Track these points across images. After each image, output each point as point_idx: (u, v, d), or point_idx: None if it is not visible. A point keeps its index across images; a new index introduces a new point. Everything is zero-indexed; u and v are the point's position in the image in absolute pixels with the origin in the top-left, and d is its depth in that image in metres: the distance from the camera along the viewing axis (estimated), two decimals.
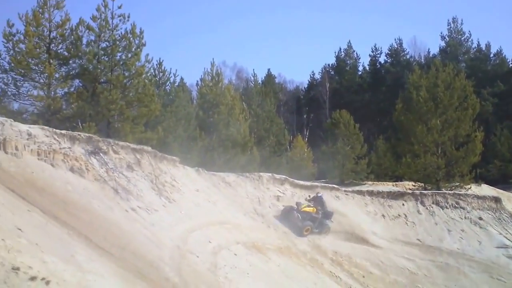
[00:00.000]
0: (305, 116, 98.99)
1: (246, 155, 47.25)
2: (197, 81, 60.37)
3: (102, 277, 12.84)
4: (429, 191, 44.34)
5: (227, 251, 22.61)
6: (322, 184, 40.82)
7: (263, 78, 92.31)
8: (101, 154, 23.53)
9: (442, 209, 40.37)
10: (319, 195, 32.91)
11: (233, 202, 29.29)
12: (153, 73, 48.43)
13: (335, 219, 32.87)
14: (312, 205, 31.35)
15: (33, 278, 10.75)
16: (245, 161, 45.90)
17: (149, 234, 19.74)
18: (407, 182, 56.79)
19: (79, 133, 24.45)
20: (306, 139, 71.60)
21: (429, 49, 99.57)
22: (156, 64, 50.15)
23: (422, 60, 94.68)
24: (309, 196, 34.12)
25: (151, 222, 20.95)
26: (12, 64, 33.20)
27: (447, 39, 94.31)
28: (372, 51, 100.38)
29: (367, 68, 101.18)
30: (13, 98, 34.57)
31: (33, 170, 18.62)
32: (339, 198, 38.58)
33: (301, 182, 38.68)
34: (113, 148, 24.78)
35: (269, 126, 61.02)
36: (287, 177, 37.56)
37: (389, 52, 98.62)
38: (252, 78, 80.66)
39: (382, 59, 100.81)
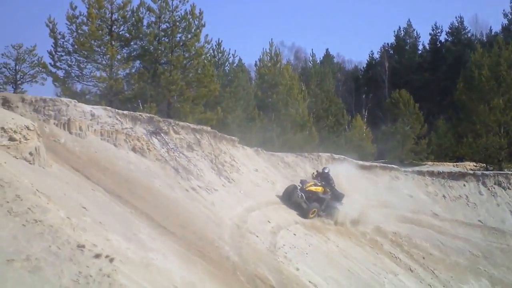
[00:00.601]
0: (364, 96, 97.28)
1: (304, 135, 46.86)
2: (256, 61, 59.94)
3: (163, 255, 12.92)
4: (491, 172, 42.87)
5: (286, 231, 22.50)
6: (381, 164, 40.05)
7: (321, 58, 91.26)
8: (162, 134, 23.72)
9: (504, 190, 38.98)
10: (325, 170, 27.46)
11: (291, 182, 29.04)
12: (213, 54, 48.50)
13: (394, 201, 32.26)
14: (319, 184, 26.44)
15: (97, 256, 10.89)
16: (304, 141, 45.51)
17: (209, 213, 19.82)
18: (468, 163, 55.12)
19: (140, 113, 24.70)
20: (365, 119, 70.30)
21: (491, 27, 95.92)
22: (215, 45, 50.18)
23: (484, 39, 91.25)
24: (316, 171, 28.60)
25: (211, 202, 21.02)
26: (76, 46, 33.79)
27: (510, 16, 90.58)
28: (433, 30, 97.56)
29: (427, 47, 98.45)
30: (77, 79, 35.25)
31: (96, 150, 18.91)
32: (399, 178, 37.81)
33: (360, 162, 38.10)
34: (174, 128, 24.94)
35: (327, 106, 60.27)
36: (346, 157, 37.03)
37: (449, 31, 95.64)
38: (311, 58, 79.78)
39: (442, 37, 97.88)
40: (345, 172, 32.52)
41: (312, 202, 25.24)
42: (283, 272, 18.44)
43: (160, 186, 19.40)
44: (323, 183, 26.38)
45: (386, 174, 36.96)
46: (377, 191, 33.62)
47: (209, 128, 27.79)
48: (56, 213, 11.59)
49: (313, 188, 25.80)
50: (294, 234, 22.60)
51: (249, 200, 23.42)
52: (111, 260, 10.84)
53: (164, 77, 35.12)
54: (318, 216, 25.48)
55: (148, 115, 24.72)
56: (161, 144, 23.01)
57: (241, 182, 25.18)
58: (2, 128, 13.84)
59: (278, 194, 26.52)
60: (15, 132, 14.00)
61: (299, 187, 25.88)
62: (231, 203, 21.92)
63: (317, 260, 21.28)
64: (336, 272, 21.27)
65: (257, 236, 20.15)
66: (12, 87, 45.54)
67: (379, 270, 23.93)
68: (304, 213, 24.90)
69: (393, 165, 40.60)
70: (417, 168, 44.39)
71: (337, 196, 26.84)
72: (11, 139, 13.81)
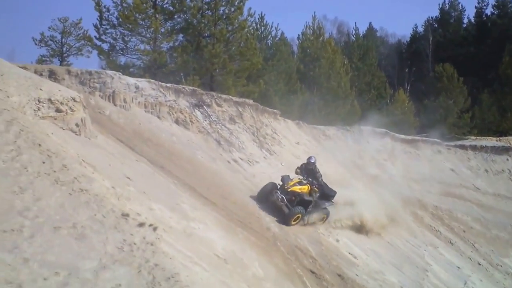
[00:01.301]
0: (407, 70, 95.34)
1: (346, 108, 46.35)
2: (298, 35, 59.22)
3: (205, 225, 13.02)
4: None
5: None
6: (423, 138, 39.40)
7: (364, 32, 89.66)
8: (204, 107, 23.78)
9: None
10: (310, 160, 20.32)
11: (333, 155, 28.84)
12: (255, 27, 48.07)
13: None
14: (305, 182, 19.45)
15: (141, 224, 11.04)
16: (346, 115, 45.05)
17: (250, 185, 19.87)
18: (511, 137, 53.76)
19: (183, 86, 24.79)
20: (408, 93, 68.96)
21: None
22: (258, 18, 49.69)
23: None
24: (300, 165, 20.60)
25: (252, 174, 21.08)
26: (120, 19, 33.89)
27: None
28: (478, 3, 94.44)
29: (472, 21, 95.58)
30: (121, 52, 35.41)
31: (140, 122, 19.09)
32: (441, 152, 37.19)
33: (402, 136, 37.57)
34: (216, 101, 24.98)
35: (370, 80, 59.37)
36: (387, 131, 36.54)
37: (495, 4, 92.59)
38: (353, 32, 78.44)
39: (488, 11, 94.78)
40: (385, 146, 32.12)
41: (295, 205, 18.58)
42: (323, 243, 18.43)
43: (202, 157, 19.52)
44: (309, 179, 19.46)
45: (428, 148, 36.41)
46: (418, 165, 33.17)
47: (251, 101, 27.71)
48: (101, 182, 11.77)
49: (296, 188, 18.82)
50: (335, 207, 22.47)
51: (290, 173, 23.30)
52: (155, 228, 10.97)
53: (207, 50, 35.07)
54: (303, 221, 19.05)
55: (191, 88, 24.78)
56: (203, 116, 23.09)
57: (282, 155, 25.13)
58: (49, 99, 14.06)
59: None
60: (61, 103, 14.21)
61: (279, 186, 19.08)
62: (272, 175, 21.89)
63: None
64: (375, 244, 21.15)
65: None
66: (59, 59, 46.12)
67: (419, 243, 23.70)
68: (285, 219, 18.25)
69: (435, 139, 39.90)
70: (459, 143, 43.58)
71: (326, 194, 20.09)
72: (57, 110, 14.03)
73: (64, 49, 46.63)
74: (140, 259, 9.81)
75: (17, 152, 11.15)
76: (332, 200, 20.29)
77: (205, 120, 22.79)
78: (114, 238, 10.21)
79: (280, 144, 26.06)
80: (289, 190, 18.70)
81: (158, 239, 10.62)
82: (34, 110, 13.37)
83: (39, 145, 11.73)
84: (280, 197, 18.52)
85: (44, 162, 11.30)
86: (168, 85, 23.15)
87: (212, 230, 13.11)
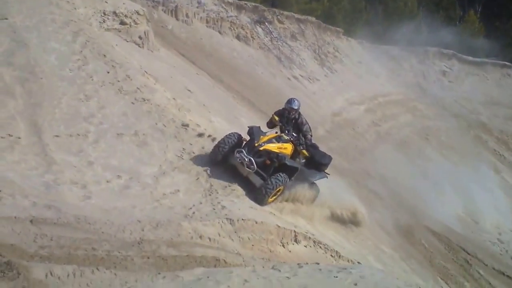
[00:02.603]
0: None
1: (412, 28, 44.74)
2: None
3: None
4: None
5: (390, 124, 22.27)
6: (493, 61, 37.79)
7: None
8: (266, 23, 23.51)
9: None
10: (293, 106, 11.46)
11: (396, 76, 28.27)
12: None
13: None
14: (287, 137, 11.27)
15: (200, 135, 11.32)
16: (412, 35, 43.54)
17: (310, 102, 19.84)
18: None
19: (245, 2, 24.45)
20: (478, 14, 65.88)
21: None
22: None
23: None
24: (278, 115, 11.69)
25: (312, 91, 21.00)
26: None
27: None
28: None
29: None
30: None
31: (202, 37, 19.12)
32: (510, 76, 35.72)
33: (470, 58, 36.15)
34: (278, 18, 24.64)
35: (438, 0, 56.80)
36: (455, 52, 35.21)
37: None
38: None
39: None
40: (452, 68, 31.12)
41: (271, 173, 10.92)
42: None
43: (262, 73, 19.53)
44: (293, 134, 11.43)
45: (497, 71, 35.03)
46: (486, 88, 32.06)
47: (313, 19, 27.16)
48: (163, 93, 12.04)
49: (273, 147, 10.99)
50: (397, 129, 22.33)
51: (351, 91, 23.11)
52: (213, 139, 11.23)
53: None
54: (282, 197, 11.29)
55: (253, 4, 24.44)
56: (264, 33, 22.88)
57: (344, 73, 24.80)
58: (114, 12, 14.28)
59: (376, 92, 25.31)
60: (125, 16, 14.41)
61: (245, 147, 10.94)
62: (332, 93, 21.79)
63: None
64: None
65: (357, 127, 20.07)
66: None
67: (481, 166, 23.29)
68: (257, 196, 10.62)
69: (505, 62, 38.20)
70: None
71: (317, 162, 11.97)
72: (122, 23, 14.26)
73: None
74: (198, 168, 10.12)
75: (83, 62, 11.49)
76: (326, 171, 12.13)
77: (266, 37, 22.60)
78: (174, 146, 10.55)
79: (341, 63, 25.67)
80: (261, 149, 10.80)
81: None
82: (100, 22, 13.64)
83: (104, 55, 12.03)
84: (246, 159, 10.62)
85: (108, 72, 11.63)
86: (230, 0, 22.91)
87: None
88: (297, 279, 6.51)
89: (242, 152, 10.65)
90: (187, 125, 11.29)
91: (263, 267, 7.30)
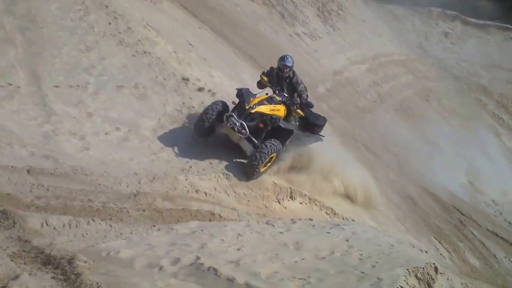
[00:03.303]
0: None
1: None
2: None
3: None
4: None
5: (390, 85, 22.13)
6: (497, 24, 37.21)
7: None
8: None
9: None
10: (286, 63, 10.61)
11: (398, 36, 27.88)
12: None
13: None
14: (279, 98, 10.36)
15: (200, 89, 11.24)
16: None
17: (312, 59, 19.66)
18: None
19: None
20: None
21: None
22: None
23: None
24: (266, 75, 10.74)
25: (314, 48, 20.74)
26: None
27: None
28: None
29: None
30: None
31: None
32: None
33: (473, 20, 35.48)
34: None
35: None
36: (458, 14, 34.60)
37: None
38: None
39: None
40: (454, 29, 30.69)
41: (263, 137, 10.05)
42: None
43: (264, 30, 19.26)
44: (285, 95, 10.48)
45: (500, 34, 34.48)
46: (488, 51, 31.71)
47: None
48: (164, 46, 11.89)
49: (265, 109, 10.08)
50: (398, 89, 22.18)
51: (353, 50, 22.84)
52: (213, 94, 11.16)
53: None
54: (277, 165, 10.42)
55: None
56: None
57: (347, 32, 24.41)
58: None
59: (378, 51, 24.93)
60: None
61: (234, 110, 10.00)
62: (334, 51, 21.54)
63: None
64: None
65: (358, 87, 19.95)
66: None
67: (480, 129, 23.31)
68: (249, 165, 9.68)
69: (508, 25, 37.60)
70: None
71: (311, 124, 10.97)
72: None
73: None
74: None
75: (85, 12, 11.31)
76: (321, 133, 11.12)
77: None
78: (174, 100, 10.50)
79: (345, 21, 25.25)
80: (252, 111, 9.83)
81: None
82: None
83: (106, 6, 11.83)
84: (238, 123, 9.62)
85: (110, 23, 11.46)
86: None
87: None
88: (290, 234, 6.64)
89: (232, 116, 9.61)
90: (188, 79, 11.21)
91: (257, 222, 7.40)
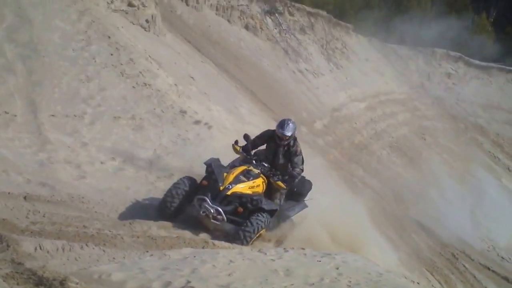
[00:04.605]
0: None
1: (423, 28, 44.33)
2: None
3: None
4: None
5: (387, 123, 22.21)
6: (499, 66, 37.47)
7: None
8: (276, 14, 23.31)
9: None
10: (285, 132, 8.63)
11: (401, 75, 28.16)
12: None
13: None
14: (258, 168, 8.63)
15: (197, 122, 11.29)
16: (421, 34, 43.14)
17: (312, 96, 19.79)
18: None
19: None
20: (492, 19, 65.19)
21: None
22: None
23: None
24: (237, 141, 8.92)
25: (315, 85, 20.89)
26: None
27: None
28: None
29: None
30: None
31: (210, 24, 18.96)
32: None
33: (476, 62, 35.83)
34: (289, 9, 24.40)
35: (453, 0, 56.15)
36: (462, 55, 34.93)
37: None
38: None
39: None
40: (457, 70, 30.99)
41: (246, 215, 8.24)
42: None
43: (267, 65, 19.43)
44: (264, 165, 8.78)
45: (502, 76, 34.81)
46: (488, 92, 31.96)
47: (324, 13, 26.91)
48: (165, 79, 12.00)
49: (242, 188, 8.30)
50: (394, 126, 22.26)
51: (354, 88, 22.99)
52: (209, 127, 11.22)
53: None
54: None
55: None
56: (274, 24, 22.70)
57: (349, 70, 24.62)
58: None
59: (379, 90, 25.01)
60: None
61: (204, 186, 8.29)
62: (335, 89, 21.71)
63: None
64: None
65: (355, 123, 20.02)
66: None
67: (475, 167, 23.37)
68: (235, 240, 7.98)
69: (511, 68, 37.87)
70: None
71: (296, 192, 9.60)
72: (130, 4, 14.16)
73: None
74: (192, 153, 10.10)
75: (87, 42, 11.44)
76: (305, 200, 9.78)
77: (275, 28, 22.44)
78: (170, 132, 10.54)
79: (348, 59, 25.50)
80: (228, 193, 8.16)
81: (211, 138, 10.85)
82: (107, 3, 13.52)
83: (109, 37, 11.97)
84: (212, 210, 7.88)
85: (112, 54, 11.58)
86: None
87: None
88: (281, 262, 6.61)
89: (205, 200, 7.85)
90: (185, 112, 11.29)
91: (251, 250, 7.38)
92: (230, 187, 8.02)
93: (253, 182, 8.36)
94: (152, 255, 6.29)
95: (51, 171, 8.12)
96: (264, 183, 8.60)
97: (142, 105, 10.77)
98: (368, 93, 23.50)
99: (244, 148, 8.73)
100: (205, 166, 8.28)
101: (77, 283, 4.49)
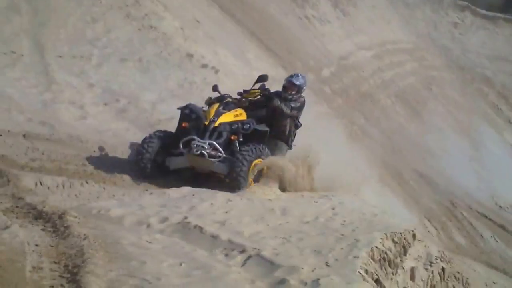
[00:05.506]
0: None
1: None
2: None
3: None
4: None
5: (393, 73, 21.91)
6: (506, 16, 36.61)
7: None
8: None
9: None
10: (295, 81, 8.21)
11: (407, 24, 27.51)
12: None
13: None
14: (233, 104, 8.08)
15: (204, 66, 11.13)
16: None
17: (319, 43, 19.40)
18: None
19: None
20: None
21: None
22: None
23: None
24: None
25: (322, 33, 20.43)
26: None
27: None
28: None
29: None
30: None
31: None
32: None
33: (483, 12, 34.93)
34: None
35: None
36: (469, 4, 34.05)
37: None
38: None
39: None
40: (464, 20, 30.31)
41: (240, 156, 7.36)
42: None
43: (274, 11, 18.96)
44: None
45: (509, 27, 33.90)
46: (495, 43, 31.31)
47: None
48: (171, 22, 11.75)
49: (228, 117, 7.81)
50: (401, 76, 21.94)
51: (361, 36, 22.50)
52: (216, 71, 11.08)
53: None
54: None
55: None
56: None
57: (356, 17, 24.00)
58: None
59: (386, 38, 24.46)
60: None
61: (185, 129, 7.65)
62: (342, 37, 21.24)
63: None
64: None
65: (363, 72, 19.72)
66: None
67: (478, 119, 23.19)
68: (231, 183, 7.32)
69: None
70: None
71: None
72: None
73: None
74: (197, 98, 9.95)
75: None
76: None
77: None
78: (176, 75, 10.40)
79: (355, 6, 24.83)
80: (216, 125, 7.60)
81: (218, 82, 10.66)
82: None
83: None
84: (206, 146, 7.35)
85: None
86: None
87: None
88: (279, 202, 6.78)
89: (193, 139, 7.26)
90: (192, 56, 11.11)
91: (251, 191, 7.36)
92: (216, 119, 7.49)
93: (235, 111, 7.81)
94: (151, 193, 6.40)
95: (53, 111, 8.08)
96: (243, 112, 7.94)
97: (148, 48, 10.59)
98: (375, 41, 23.01)
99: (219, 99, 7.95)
100: None
101: (75, 217, 4.52)
